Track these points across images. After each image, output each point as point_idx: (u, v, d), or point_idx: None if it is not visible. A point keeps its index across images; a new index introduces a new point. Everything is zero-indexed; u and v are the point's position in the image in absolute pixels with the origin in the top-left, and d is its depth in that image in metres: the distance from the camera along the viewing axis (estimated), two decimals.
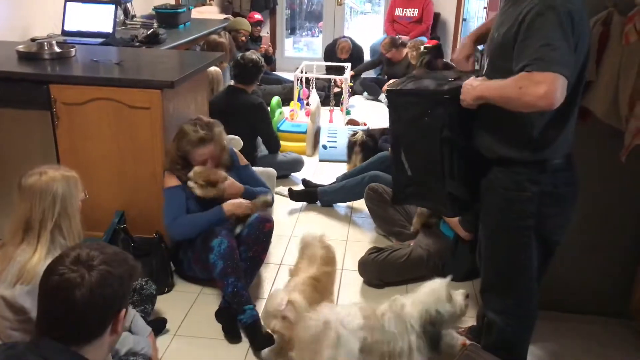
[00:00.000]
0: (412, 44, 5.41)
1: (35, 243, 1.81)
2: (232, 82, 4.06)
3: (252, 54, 3.84)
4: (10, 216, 1.87)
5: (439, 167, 1.83)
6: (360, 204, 3.43)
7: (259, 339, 2.24)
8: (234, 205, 2.59)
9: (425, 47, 4.71)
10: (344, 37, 6.43)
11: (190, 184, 2.58)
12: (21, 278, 1.75)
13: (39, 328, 1.30)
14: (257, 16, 6.38)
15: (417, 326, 1.91)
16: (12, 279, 1.77)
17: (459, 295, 2.04)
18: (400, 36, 6.09)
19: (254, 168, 3.11)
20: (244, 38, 5.79)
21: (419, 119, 1.83)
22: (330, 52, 6.34)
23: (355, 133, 4.12)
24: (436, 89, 1.83)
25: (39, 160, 2.71)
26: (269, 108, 4.53)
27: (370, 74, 6.48)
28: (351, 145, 4.07)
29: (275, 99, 4.73)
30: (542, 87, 1.46)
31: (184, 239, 2.59)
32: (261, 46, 6.33)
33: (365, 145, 3.96)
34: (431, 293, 1.99)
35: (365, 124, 4.86)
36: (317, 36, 8.00)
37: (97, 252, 1.32)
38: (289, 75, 5.84)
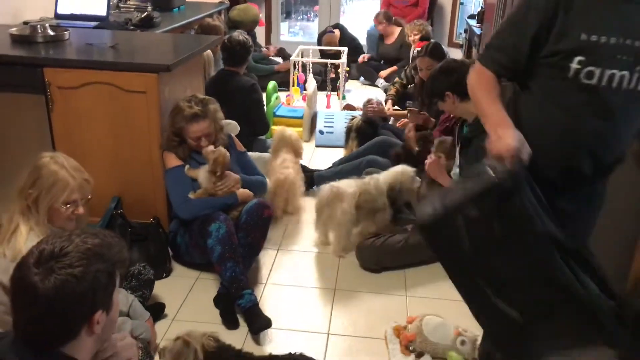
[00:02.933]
0: (413, 25, 5.30)
1: (15, 217, 1.86)
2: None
3: (239, 36, 3.79)
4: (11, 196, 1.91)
5: (563, 281, 1.32)
6: None
7: (258, 323, 2.25)
8: (246, 194, 2.66)
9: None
10: (330, 31, 6.17)
11: (200, 174, 2.58)
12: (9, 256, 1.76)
13: (14, 325, 1.26)
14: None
15: (385, 190, 2.85)
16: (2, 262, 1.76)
17: (419, 180, 2.89)
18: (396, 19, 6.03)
19: (249, 153, 3.10)
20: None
21: (499, 234, 1.32)
22: (321, 43, 6.27)
23: (353, 118, 4.11)
24: (492, 178, 1.34)
25: (34, 144, 2.69)
26: (265, 93, 4.50)
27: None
28: (348, 130, 4.06)
29: (272, 84, 4.69)
30: None
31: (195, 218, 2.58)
32: (266, 49, 6.17)
33: (362, 130, 3.95)
34: (398, 173, 2.90)
35: (361, 109, 4.84)
36: (313, 20, 7.92)
37: (73, 247, 1.22)
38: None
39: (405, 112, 4.06)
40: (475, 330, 2.10)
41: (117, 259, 1.30)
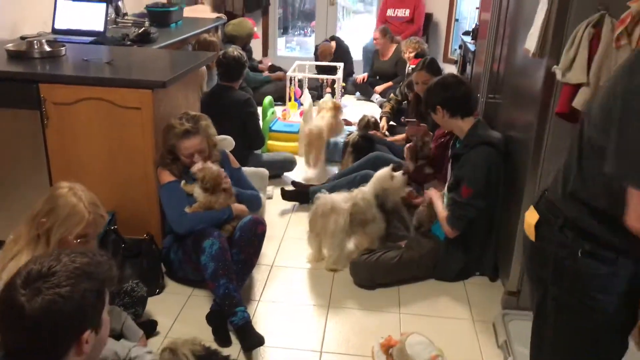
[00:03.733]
0: (409, 42, 5.32)
1: (21, 242, 1.83)
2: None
3: (234, 51, 3.82)
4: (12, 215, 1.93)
5: None
6: None
7: (250, 340, 2.23)
8: (241, 209, 2.67)
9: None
10: (325, 40, 6.30)
11: (196, 189, 2.59)
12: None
13: (2, 344, 1.24)
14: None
15: (373, 199, 2.90)
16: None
17: (399, 174, 2.94)
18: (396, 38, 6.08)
19: (245, 168, 3.11)
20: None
21: None
22: (317, 57, 6.34)
23: (350, 133, 4.13)
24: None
25: (28, 160, 2.70)
26: (261, 108, 4.51)
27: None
28: (345, 145, 4.07)
29: (268, 99, 4.71)
30: None
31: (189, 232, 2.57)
32: (261, 64, 6.21)
33: (358, 146, 3.96)
34: (377, 177, 2.95)
35: (356, 124, 4.87)
36: (310, 36, 7.98)
37: (61, 266, 1.22)
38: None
39: (404, 136, 4.09)
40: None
41: (106, 277, 1.29)
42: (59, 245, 1.85)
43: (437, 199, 2.82)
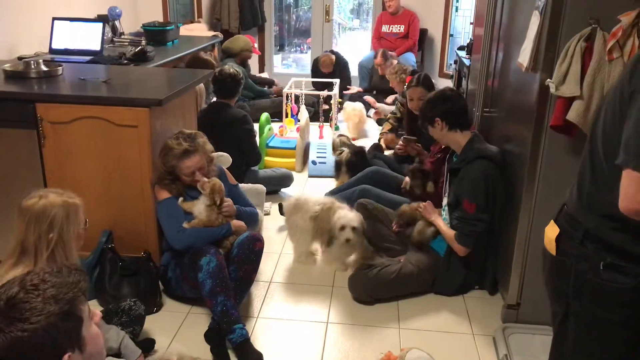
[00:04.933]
0: (396, 69, 5.07)
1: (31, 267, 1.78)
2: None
3: (230, 68, 3.84)
4: (8, 235, 1.88)
5: None
6: None
7: (249, 358, 2.22)
8: (238, 225, 2.69)
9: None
10: (326, 51, 6.45)
11: (197, 206, 2.60)
12: None
13: None
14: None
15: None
16: None
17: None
18: (390, 53, 6.12)
19: (242, 185, 3.11)
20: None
21: None
22: (315, 68, 6.38)
23: (341, 152, 4.11)
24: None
25: (25, 179, 2.70)
26: (258, 124, 4.52)
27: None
28: (338, 164, 4.07)
29: (265, 115, 4.73)
30: None
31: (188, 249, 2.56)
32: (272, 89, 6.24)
33: (352, 164, 3.96)
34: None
35: (354, 139, 4.89)
36: (306, 52, 8.04)
37: (22, 296, 1.14)
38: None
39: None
40: None
41: (74, 295, 1.19)
42: (75, 242, 1.88)
43: (437, 217, 2.82)
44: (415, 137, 3.75)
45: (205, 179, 2.62)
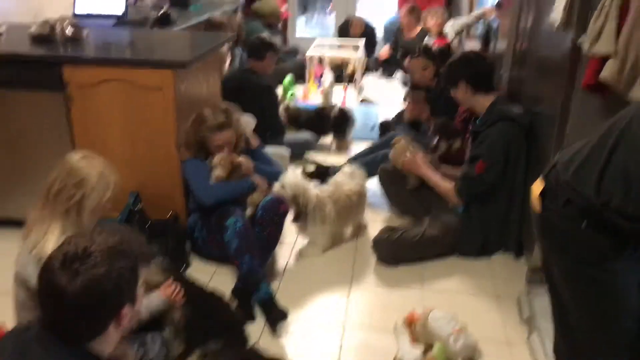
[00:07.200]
0: (433, 12, 5.23)
1: (49, 220, 1.82)
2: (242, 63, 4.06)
3: (269, 37, 3.86)
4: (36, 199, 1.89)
5: None
6: (373, 184, 3.42)
7: (274, 315, 2.27)
8: (259, 180, 2.71)
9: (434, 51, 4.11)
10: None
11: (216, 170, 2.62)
12: (34, 257, 1.75)
13: (41, 320, 1.30)
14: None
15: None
16: (24, 258, 1.79)
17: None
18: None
19: (266, 148, 3.11)
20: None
21: None
22: (343, 31, 6.31)
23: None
24: None
25: (53, 142, 2.74)
26: (281, 86, 4.50)
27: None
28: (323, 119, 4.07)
29: (288, 78, 4.68)
30: None
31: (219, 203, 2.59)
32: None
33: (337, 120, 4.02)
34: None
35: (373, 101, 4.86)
36: (330, 14, 7.90)
37: (96, 246, 1.26)
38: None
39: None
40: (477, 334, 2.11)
41: (139, 253, 1.36)
42: (91, 213, 1.87)
43: (427, 169, 2.85)
44: (423, 95, 3.69)
45: (216, 159, 2.61)
